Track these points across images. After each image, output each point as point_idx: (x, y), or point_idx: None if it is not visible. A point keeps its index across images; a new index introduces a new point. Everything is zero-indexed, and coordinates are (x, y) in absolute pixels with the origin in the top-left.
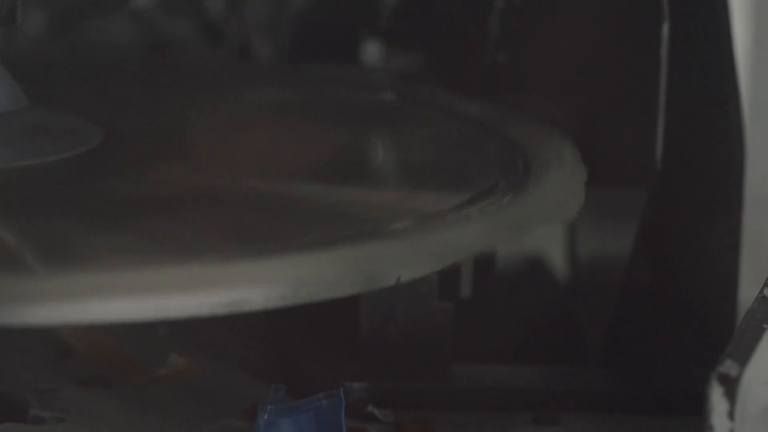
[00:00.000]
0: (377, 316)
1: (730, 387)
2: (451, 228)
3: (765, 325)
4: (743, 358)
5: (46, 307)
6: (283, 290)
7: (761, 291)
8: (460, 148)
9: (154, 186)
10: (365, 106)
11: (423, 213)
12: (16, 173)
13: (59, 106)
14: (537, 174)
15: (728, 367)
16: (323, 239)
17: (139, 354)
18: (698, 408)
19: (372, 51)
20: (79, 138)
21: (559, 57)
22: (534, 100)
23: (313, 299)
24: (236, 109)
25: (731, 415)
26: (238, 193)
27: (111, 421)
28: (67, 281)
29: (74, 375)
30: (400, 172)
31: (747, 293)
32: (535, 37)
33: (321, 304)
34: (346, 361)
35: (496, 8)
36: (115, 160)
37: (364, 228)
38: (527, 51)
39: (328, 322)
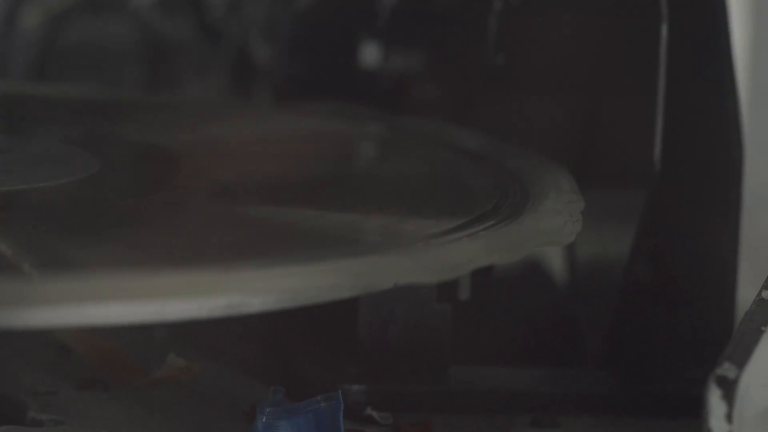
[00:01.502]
0: (376, 318)
1: (728, 389)
2: (447, 245)
3: (763, 328)
4: (741, 360)
5: (45, 309)
6: (280, 294)
7: (759, 293)
8: (458, 178)
9: (150, 207)
10: (359, 137)
11: (419, 234)
12: (14, 195)
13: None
14: (535, 201)
15: (726, 369)
16: (321, 254)
17: (139, 357)
18: (697, 410)
19: (370, 52)
20: (76, 166)
21: (558, 58)
22: (532, 101)
23: (311, 303)
24: (232, 138)
25: (729, 418)
26: (235, 216)
27: (110, 424)
28: (66, 284)
29: (73, 377)
30: (395, 200)
31: (746, 295)
32: (533, 38)
33: (320, 306)
34: (345, 363)
35: (494, 9)
36: (111, 185)
37: (360, 245)
38: (525, 52)
39: (326, 325)
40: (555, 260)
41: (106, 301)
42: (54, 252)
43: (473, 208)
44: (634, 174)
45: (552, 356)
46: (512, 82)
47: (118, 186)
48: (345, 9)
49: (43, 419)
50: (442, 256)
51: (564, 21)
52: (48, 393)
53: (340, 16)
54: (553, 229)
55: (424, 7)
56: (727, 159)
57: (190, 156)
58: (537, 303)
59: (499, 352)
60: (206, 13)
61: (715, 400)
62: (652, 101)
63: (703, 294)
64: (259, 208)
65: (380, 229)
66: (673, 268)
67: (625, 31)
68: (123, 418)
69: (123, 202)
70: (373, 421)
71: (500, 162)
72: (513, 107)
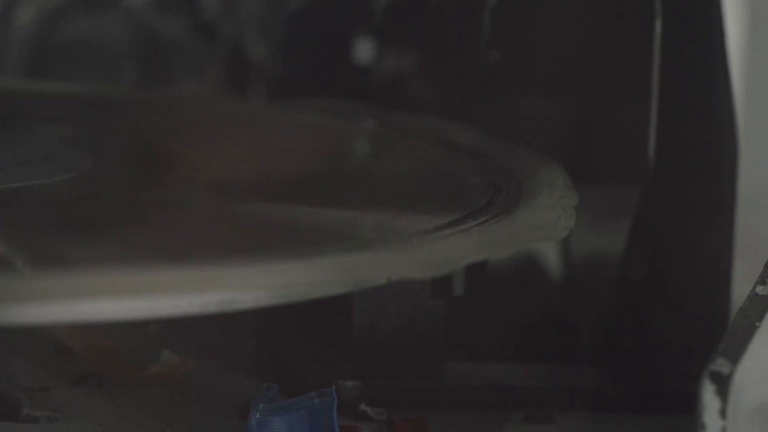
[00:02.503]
0: (370, 314)
1: (722, 385)
2: (440, 241)
3: (757, 323)
4: (735, 355)
5: (38, 306)
6: (272, 290)
7: (753, 289)
8: (451, 175)
9: (144, 204)
10: (354, 134)
11: (413, 230)
12: (9, 193)
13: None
14: (528, 197)
15: (720, 365)
16: (314, 250)
17: (133, 353)
18: (691, 406)
19: (365, 49)
20: (70, 164)
21: (552, 54)
22: (527, 98)
23: (304, 299)
24: (226, 135)
25: (723, 413)
26: (227, 213)
27: (104, 420)
28: (59, 281)
29: (68, 374)
30: (389, 196)
31: (740, 291)
32: (528, 35)
33: (313, 302)
34: (339, 359)
35: (488, 5)
36: (106, 182)
37: (354, 242)
38: (520, 48)
39: (320, 321)
40: (550, 256)
41: (98, 298)
42: (47, 249)
43: (467, 204)
44: (630, 171)
45: (546, 352)
46: (506, 79)
47: (113, 183)
48: (339, 6)
49: (38, 416)
50: (435, 251)
51: (558, 17)
52: (42, 389)
53: (334, 13)
54: (546, 224)
55: (419, 4)
56: (722, 156)
57: (185, 153)
58: (531, 299)
59: (493, 347)
60: (201, 11)
61: (709, 395)
62: (646, 98)
63: (698, 290)
64: (253, 205)
65: (374, 225)
66: (667, 264)
67: (619, 27)
68: (117, 414)
69: (117, 200)
70: (367, 416)
71: (494, 158)
72: (507, 104)
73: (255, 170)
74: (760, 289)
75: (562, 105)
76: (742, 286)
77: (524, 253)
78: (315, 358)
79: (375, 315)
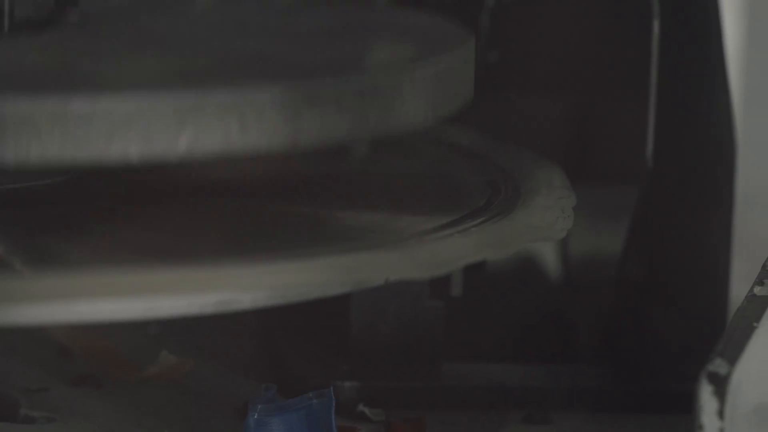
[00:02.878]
0: (368, 314)
1: (720, 385)
2: (438, 241)
3: (755, 324)
4: (733, 356)
5: (36, 306)
6: (271, 291)
7: (751, 289)
8: (450, 175)
9: (143, 206)
10: None
11: (411, 230)
12: (6, 194)
13: None
14: (526, 197)
15: (718, 365)
16: (312, 250)
17: (132, 354)
18: (689, 406)
19: None
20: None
21: (551, 54)
22: (526, 98)
23: (302, 299)
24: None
25: (721, 414)
26: (227, 213)
27: (102, 421)
28: (57, 281)
29: (66, 375)
30: (388, 196)
31: (738, 291)
32: (527, 35)
33: (312, 303)
34: (337, 360)
35: (486, 7)
36: (104, 183)
37: (352, 242)
38: (519, 49)
39: (318, 321)
40: (548, 256)
41: (97, 298)
42: (46, 249)
43: (465, 205)
44: (629, 171)
45: (545, 352)
46: (505, 79)
47: (112, 183)
48: None
49: (35, 416)
50: (434, 252)
51: (557, 18)
52: (40, 390)
53: None
54: (544, 224)
55: (418, 4)
56: (721, 156)
57: None
58: (530, 299)
59: (492, 348)
60: None
61: (706, 396)
62: (644, 98)
63: (696, 291)
64: (251, 205)
65: (372, 225)
66: (666, 264)
67: (617, 27)
68: (116, 415)
69: (116, 200)
70: (365, 417)
71: (492, 158)
72: (506, 104)
73: (255, 170)
74: (757, 290)
75: (561, 105)
76: (740, 286)
77: (523, 254)
78: (314, 359)
79: (374, 315)
